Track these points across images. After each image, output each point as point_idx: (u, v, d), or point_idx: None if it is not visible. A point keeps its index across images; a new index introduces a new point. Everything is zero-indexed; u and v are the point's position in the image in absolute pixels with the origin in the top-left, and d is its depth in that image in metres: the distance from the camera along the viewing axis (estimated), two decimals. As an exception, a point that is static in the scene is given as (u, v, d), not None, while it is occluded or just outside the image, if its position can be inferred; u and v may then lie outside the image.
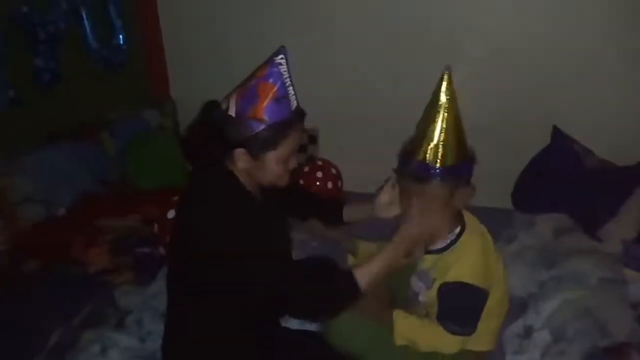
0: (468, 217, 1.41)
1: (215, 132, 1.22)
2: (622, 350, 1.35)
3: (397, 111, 2.42)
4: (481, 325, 1.35)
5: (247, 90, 1.19)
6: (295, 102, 1.22)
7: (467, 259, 1.33)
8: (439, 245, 1.38)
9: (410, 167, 1.32)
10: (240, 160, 1.23)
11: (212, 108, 1.24)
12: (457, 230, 1.38)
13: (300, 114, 1.24)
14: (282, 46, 1.22)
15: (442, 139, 1.28)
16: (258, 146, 1.20)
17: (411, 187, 1.33)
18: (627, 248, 1.59)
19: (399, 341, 1.35)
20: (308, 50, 2.46)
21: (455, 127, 1.29)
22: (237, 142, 1.20)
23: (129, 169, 2.33)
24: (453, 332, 1.31)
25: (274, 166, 1.24)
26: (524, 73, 2.21)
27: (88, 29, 2.29)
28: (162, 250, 1.92)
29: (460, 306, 1.32)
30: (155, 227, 1.94)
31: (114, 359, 1.53)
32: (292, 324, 1.56)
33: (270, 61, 1.20)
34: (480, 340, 1.39)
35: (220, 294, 1.28)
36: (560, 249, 1.78)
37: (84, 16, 2.24)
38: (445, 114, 1.28)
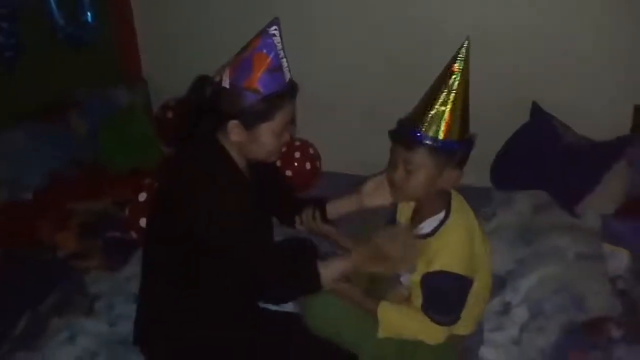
0: (456, 200, 1.37)
1: (208, 105, 1.21)
2: (600, 325, 1.35)
3: (375, 91, 2.40)
4: (465, 311, 1.33)
5: (241, 62, 1.19)
6: (288, 74, 1.22)
7: (452, 247, 1.30)
8: (424, 230, 1.35)
9: (402, 130, 1.29)
10: (234, 132, 1.22)
11: (204, 81, 1.22)
12: (442, 214, 1.34)
13: (294, 86, 1.24)
14: (275, 17, 1.22)
15: (441, 110, 1.24)
16: (252, 118, 1.19)
17: (400, 153, 1.29)
18: (606, 223, 1.59)
19: (383, 334, 1.33)
20: (285, 30, 2.40)
21: (458, 103, 1.25)
22: (230, 113, 1.19)
23: (100, 149, 2.26)
24: (439, 323, 1.29)
25: (268, 139, 1.23)
26: (505, 52, 2.19)
27: (54, 5, 2.19)
28: (133, 235, 1.86)
29: (444, 296, 1.30)
30: (127, 211, 1.88)
31: (83, 346, 1.47)
32: (270, 305, 1.53)
33: (263, 32, 1.20)
34: (463, 324, 1.37)
35: (200, 274, 1.26)
36: (538, 225, 1.77)
37: (49, -9, 2.14)
38: (453, 87, 1.24)
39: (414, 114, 1.29)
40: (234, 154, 1.27)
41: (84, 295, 1.65)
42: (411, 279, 1.36)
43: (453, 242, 1.31)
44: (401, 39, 2.29)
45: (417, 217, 1.40)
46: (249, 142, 1.23)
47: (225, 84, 1.19)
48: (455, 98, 1.24)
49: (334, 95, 2.46)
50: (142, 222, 1.80)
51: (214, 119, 1.23)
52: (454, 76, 1.24)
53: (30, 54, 2.09)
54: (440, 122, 1.24)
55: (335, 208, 1.51)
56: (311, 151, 2.38)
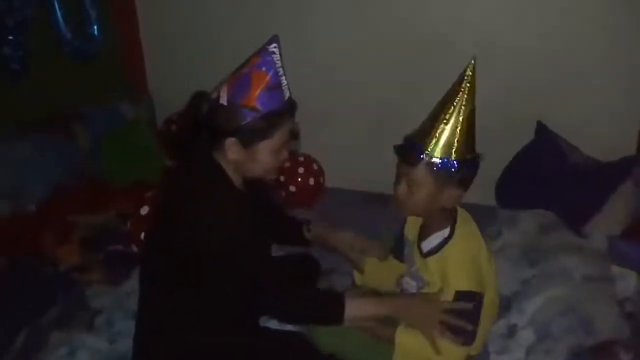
0: (462, 217, 1.37)
1: (204, 122, 1.19)
2: (608, 348, 1.33)
3: (380, 107, 2.41)
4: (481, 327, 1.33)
5: (239, 79, 1.18)
6: (288, 92, 1.21)
7: (457, 266, 1.30)
8: (429, 246, 1.36)
9: (405, 146, 1.30)
10: (231, 150, 1.20)
11: (201, 98, 1.21)
12: (447, 231, 1.34)
13: (293, 104, 1.23)
14: (275, 35, 1.21)
15: (443, 129, 1.25)
16: (250, 136, 1.18)
17: (403, 168, 1.30)
18: (613, 244, 1.57)
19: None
20: (290, 45, 2.41)
21: (462, 123, 1.25)
22: (228, 131, 1.18)
23: (103, 163, 2.25)
24: (454, 343, 1.27)
25: (266, 157, 1.22)
26: (510, 69, 2.19)
27: (60, 18, 2.20)
28: (134, 248, 1.85)
29: (460, 316, 1.28)
30: (129, 224, 1.87)
31: (84, 361, 1.46)
32: (271, 324, 1.50)
33: (263, 49, 1.19)
34: (477, 343, 1.36)
35: (201, 287, 1.24)
36: (544, 245, 1.75)
37: (56, 4, 2.15)
38: (457, 106, 1.25)
39: (418, 131, 1.30)
40: (230, 172, 1.25)
41: (85, 309, 1.64)
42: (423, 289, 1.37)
43: (457, 261, 1.31)
44: (408, 54, 2.29)
45: (424, 232, 1.41)
46: (247, 161, 1.22)
47: (223, 100, 1.17)
48: (458, 117, 1.25)
49: (338, 110, 2.47)
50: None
51: (211, 136, 1.21)
52: (458, 96, 1.25)
53: (37, 66, 2.10)
54: (440, 141, 1.25)
55: (316, 232, 1.54)
56: (315, 167, 2.37)
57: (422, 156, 1.25)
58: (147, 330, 1.33)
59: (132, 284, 1.69)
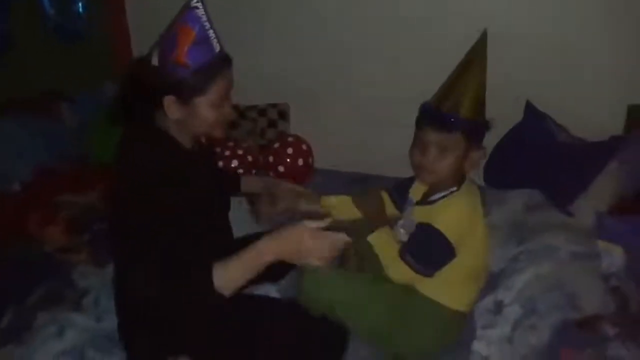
0: (468, 183, 1.45)
1: (142, 86, 1.20)
2: (593, 323, 1.35)
3: (369, 87, 2.39)
4: (461, 285, 1.43)
5: (167, 38, 1.18)
6: (218, 45, 1.22)
7: (450, 214, 1.38)
8: (435, 197, 1.44)
9: (436, 114, 1.36)
10: (171, 109, 1.21)
11: (136, 63, 1.23)
12: (453, 189, 1.42)
13: (224, 57, 1.23)
14: None
15: (468, 91, 1.33)
16: (185, 92, 1.19)
17: (431, 137, 1.36)
18: (600, 220, 1.58)
19: (371, 240, 1.43)
20: (279, 26, 2.40)
21: (481, 84, 1.36)
22: (163, 89, 1.18)
23: (89, 143, 2.23)
24: (407, 263, 1.37)
25: (207, 112, 1.23)
26: (499, 51, 2.17)
27: (43, -7, 2.16)
28: None
29: (421, 244, 1.38)
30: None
31: (71, 340, 1.45)
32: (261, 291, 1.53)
33: (186, 6, 1.18)
34: (458, 299, 1.44)
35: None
36: (531, 224, 1.76)
37: (39, -19, 2.11)
38: (476, 70, 1.35)
39: (441, 97, 1.37)
40: (175, 133, 1.26)
41: (73, 289, 1.63)
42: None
43: (452, 211, 1.38)
44: (397, 36, 2.27)
45: (429, 193, 1.48)
46: (189, 117, 1.23)
47: (155, 61, 1.18)
48: (476, 80, 1.35)
49: (328, 91, 2.44)
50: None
51: (149, 99, 1.21)
52: (476, 61, 1.36)
53: (22, 46, 2.06)
54: (469, 104, 1.33)
55: (249, 182, 1.61)
56: (304, 147, 2.36)
57: (458, 122, 1.32)
58: (124, 307, 1.33)
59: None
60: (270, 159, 2.33)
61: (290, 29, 2.39)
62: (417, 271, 1.37)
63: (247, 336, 1.30)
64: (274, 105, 2.51)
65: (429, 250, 1.38)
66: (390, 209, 1.65)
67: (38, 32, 2.18)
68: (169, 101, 1.20)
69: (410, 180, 1.60)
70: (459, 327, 1.48)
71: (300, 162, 2.32)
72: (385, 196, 1.65)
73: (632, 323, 1.34)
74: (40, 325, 1.49)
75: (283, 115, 2.51)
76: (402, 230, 1.51)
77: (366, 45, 2.33)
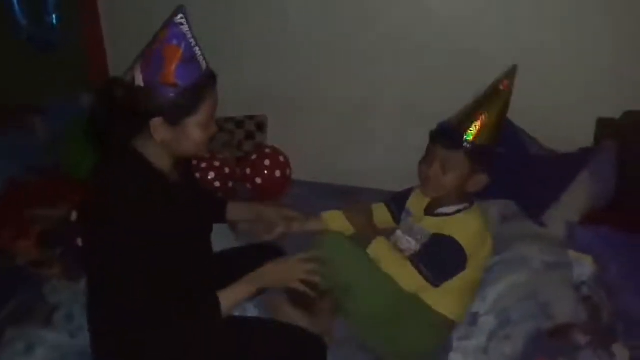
0: (479, 207, 1.53)
1: (123, 109, 1.14)
2: (565, 331, 1.37)
3: (347, 99, 2.40)
4: (459, 296, 1.49)
5: (152, 57, 1.12)
6: (204, 63, 1.17)
7: (468, 226, 1.45)
8: (444, 211, 1.50)
9: (446, 131, 1.44)
10: (158, 132, 1.15)
11: (115, 84, 1.15)
12: (466, 205, 1.49)
13: (212, 75, 1.19)
14: (181, 5, 1.16)
15: (486, 119, 1.41)
16: (175, 112, 1.14)
17: (438, 152, 1.44)
18: (570, 230, 1.61)
19: (370, 251, 1.47)
20: (259, 38, 2.40)
21: (500, 116, 1.44)
22: (152, 111, 1.13)
23: (62, 155, 2.19)
24: (419, 272, 1.41)
25: (196, 133, 1.18)
26: (472, 64, 2.22)
27: (16, 5, 2.13)
28: (79, 242, 1.79)
29: (440, 255, 1.43)
30: (74, 215, 1.82)
31: (41, 357, 1.42)
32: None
33: (170, 23, 1.14)
34: (455, 309, 1.50)
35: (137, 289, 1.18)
36: (506, 234, 1.77)
37: (12, -9, 2.09)
38: (499, 102, 1.43)
39: (458, 119, 1.45)
40: (156, 158, 1.20)
41: (43, 304, 1.59)
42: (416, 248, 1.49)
43: (470, 224, 1.46)
44: (377, 48, 2.30)
45: (433, 206, 1.53)
46: (177, 139, 1.18)
47: (139, 82, 1.12)
48: (497, 110, 1.43)
49: (306, 102, 2.45)
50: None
51: (131, 122, 1.16)
52: (501, 92, 1.44)
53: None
54: (482, 129, 1.41)
55: (235, 211, 1.58)
56: (281, 159, 2.36)
57: (463, 142, 1.40)
58: (97, 324, 1.29)
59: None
60: (248, 170, 2.32)
61: (268, 40, 2.40)
62: (427, 279, 1.41)
63: (228, 355, 1.29)
64: (251, 117, 2.51)
65: (444, 260, 1.43)
66: (387, 220, 1.69)
67: (10, 43, 2.14)
68: (156, 123, 1.14)
69: (407, 193, 1.67)
70: (447, 335, 1.51)
71: (278, 173, 2.32)
72: (383, 208, 1.70)
73: (603, 332, 1.36)
74: (8, 342, 1.45)
75: (260, 126, 2.51)
76: (408, 239, 1.53)
77: (344, 56, 2.35)
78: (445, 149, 1.42)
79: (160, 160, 1.22)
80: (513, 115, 2.15)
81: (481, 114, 1.41)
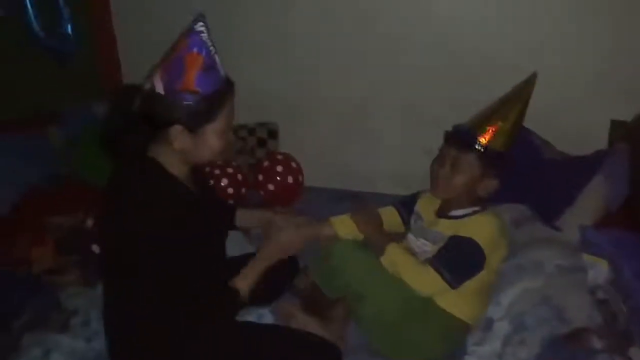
0: (493, 209, 1.54)
1: (142, 116, 1.15)
2: (581, 336, 1.35)
3: (358, 106, 2.41)
4: (474, 299, 1.49)
5: (172, 64, 1.13)
6: (223, 70, 1.18)
7: (485, 227, 1.45)
8: (455, 214, 1.50)
9: (459, 133, 1.45)
10: (178, 139, 1.16)
11: (133, 92, 1.17)
12: (477, 208, 1.50)
13: (230, 83, 1.20)
14: (201, 14, 1.17)
15: (501, 125, 1.42)
16: (195, 120, 1.15)
17: (450, 153, 1.45)
18: (584, 233, 1.60)
19: (385, 261, 1.46)
20: (268, 44, 2.42)
21: (516, 122, 1.45)
22: (172, 119, 1.14)
23: (78, 163, 2.22)
24: (440, 274, 1.40)
25: (214, 140, 1.19)
26: (481, 65, 2.21)
27: (32, 17, 2.18)
28: (95, 249, 1.82)
29: (459, 256, 1.43)
30: (89, 222, 1.84)
31: (57, 362, 1.44)
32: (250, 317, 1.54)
33: (190, 30, 1.15)
34: (470, 312, 1.49)
35: (157, 295, 1.21)
36: (519, 239, 1.77)
37: (28, 2, 2.12)
38: (518, 108, 1.45)
39: (474, 122, 1.46)
40: (172, 166, 1.21)
41: (59, 311, 1.61)
42: (431, 249, 1.49)
43: (487, 225, 1.46)
44: (386, 54, 2.30)
45: (444, 209, 1.54)
46: (195, 147, 1.18)
47: (159, 89, 1.13)
48: (513, 117, 1.44)
49: (318, 109, 2.46)
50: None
51: (149, 129, 1.16)
52: (519, 99, 1.45)
53: (9, 66, 2.07)
54: (497, 134, 1.42)
55: (244, 218, 1.60)
56: (294, 165, 2.37)
57: (474, 144, 1.41)
58: (116, 328, 1.31)
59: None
60: (260, 177, 2.33)
61: (279, 47, 2.42)
62: (447, 281, 1.41)
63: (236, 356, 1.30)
64: (263, 124, 2.52)
65: (464, 261, 1.44)
66: (397, 223, 1.69)
67: (27, 54, 2.18)
68: (176, 131, 1.15)
69: (414, 196, 1.67)
70: (462, 339, 1.51)
71: (290, 179, 2.33)
72: (393, 211, 1.70)
73: (619, 336, 1.35)
74: (26, 347, 1.47)
75: (272, 134, 2.53)
76: (423, 241, 1.53)
77: (355, 64, 2.36)
78: (457, 150, 1.44)
79: (177, 167, 1.23)
80: (526, 118, 2.16)
81: (498, 120, 1.43)
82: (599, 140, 2.10)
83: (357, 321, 1.54)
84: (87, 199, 2.05)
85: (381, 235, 1.56)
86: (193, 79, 1.12)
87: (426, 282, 1.42)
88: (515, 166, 1.99)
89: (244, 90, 2.30)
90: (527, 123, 2.11)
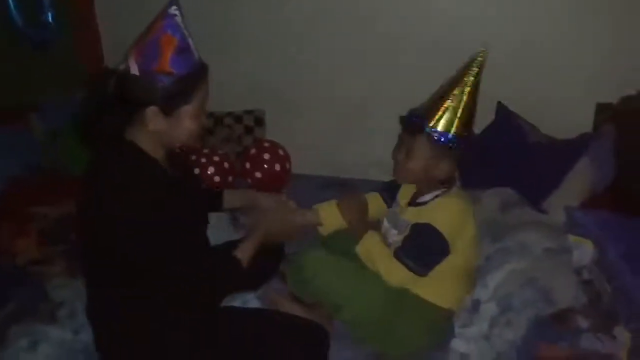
0: (457, 189, 1.52)
1: (117, 98, 1.15)
2: (566, 316, 1.37)
3: (344, 92, 2.40)
4: (450, 285, 1.49)
5: (147, 46, 1.14)
6: (196, 53, 1.19)
7: (444, 210, 1.44)
8: (424, 199, 1.50)
9: (409, 117, 1.44)
10: (153, 121, 1.16)
11: (107, 75, 1.17)
12: (441, 191, 1.48)
13: (205, 67, 1.21)
14: None
15: (448, 106, 1.38)
16: (170, 101, 1.15)
17: (404, 138, 1.45)
18: (570, 214, 1.61)
19: (360, 251, 1.49)
20: (254, 32, 2.40)
21: (465, 102, 1.39)
22: (147, 100, 1.14)
23: (61, 153, 2.19)
24: (405, 265, 1.41)
25: (188, 122, 1.20)
26: (470, 52, 2.21)
27: (12, 5, 2.13)
28: None
29: (420, 244, 1.43)
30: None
31: (45, 354, 1.42)
32: (236, 302, 1.54)
33: (165, 14, 1.15)
34: (447, 298, 1.50)
35: (139, 285, 1.21)
36: (506, 222, 1.77)
37: (7, -10, 2.08)
38: (464, 85, 1.39)
39: (424, 105, 1.44)
40: (149, 147, 1.21)
41: (46, 302, 1.59)
42: (397, 238, 1.49)
43: (447, 207, 1.45)
44: (374, 41, 2.29)
45: (415, 196, 1.54)
46: (170, 129, 1.19)
47: (134, 70, 1.13)
48: (462, 97, 1.38)
49: (305, 96, 2.45)
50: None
51: (124, 111, 1.17)
52: (466, 77, 1.39)
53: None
54: (443, 116, 1.38)
55: (230, 199, 1.62)
56: (281, 152, 2.36)
57: (423, 127, 1.39)
58: (102, 328, 1.30)
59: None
60: (247, 165, 2.32)
61: (264, 34, 2.40)
62: (413, 270, 1.41)
63: (231, 346, 1.29)
64: (249, 112, 2.50)
65: (425, 248, 1.43)
66: (382, 209, 1.69)
67: (5, 42, 2.14)
68: (151, 112, 1.15)
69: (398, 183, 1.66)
70: (447, 325, 1.51)
71: (277, 167, 2.32)
72: (378, 197, 1.70)
73: (604, 315, 1.36)
74: (12, 338, 1.46)
75: (259, 121, 2.51)
76: (393, 231, 1.53)
77: (341, 49, 2.35)
78: (408, 134, 1.44)
79: (154, 150, 1.23)
80: (511, 102, 2.17)
81: (445, 101, 1.39)
82: (585, 123, 2.11)
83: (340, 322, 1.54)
84: (69, 188, 2.02)
85: (364, 224, 1.56)
86: (168, 60, 1.13)
87: (394, 273, 1.43)
88: (501, 147, 2.02)
89: (231, 77, 2.30)
90: (513, 108, 2.14)
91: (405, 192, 1.61)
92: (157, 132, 1.18)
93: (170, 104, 1.16)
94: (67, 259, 1.76)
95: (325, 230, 1.65)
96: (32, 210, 1.92)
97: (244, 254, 1.35)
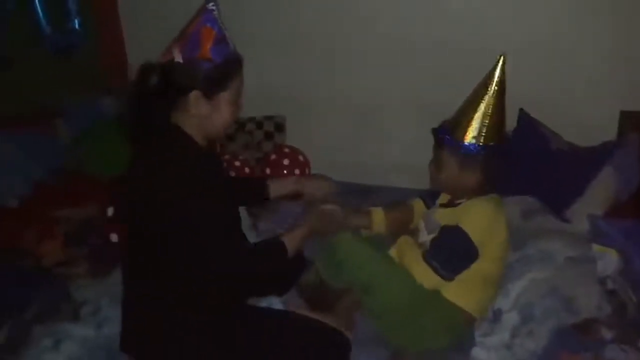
0: (493, 196, 1.50)
1: (163, 84, 1.23)
2: (590, 326, 1.35)
3: (364, 98, 2.41)
4: (478, 291, 1.47)
5: (189, 37, 1.24)
6: (232, 44, 1.28)
7: (474, 214, 1.44)
8: (458, 202, 1.51)
9: (437, 130, 1.48)
10: (195, 105, 1.24)
11: (149, 68, 1.24)
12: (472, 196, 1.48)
13: (239, 57, 1.30)
14: None
15: (472, 116, 1.40)
16: (210, 86, 1.24)
17: (435, 150, 1.50)
18: (594, 223, 1.59)
19: (394, 253, 1.53)
20: (275, 38, 2.42)
21: (491, 113, 1.39)
22: (190, 84, 1.22)
23: (85, 157, 2.23)
24: (432, 267, 1.41)
25: (226, 108, 1.28)
26: (493, 60, 2.20)
27: (40, 12, 2.18)
28: (113, 238, 1.84)
29: (447, 247, 1.43)
30: (110, 211, 1.86)
31: (68, 352, 1.45)
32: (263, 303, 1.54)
33: (203, 9, 1.26)
34: (475, 304, 1.48)
35: (184, 277, 1.27)
36: (528, 230, 1.76)
37: (36, -2, 2.14)
38: (488, 96, 1.40)
39: (452, 116, 1.46)
40: (194, 133, 1.28)
41: (70, 302, 1.62)
42: (428, 238, 1.50)
43: (477, 210, 1.44)
44: (394, 47, 2.30)
45: (453, 199, 1.55)
46: (210, 113, 1.26)
47: (179, 58, 1.22)
48: (488, 107, 1.39)
49: (325, 102, 2.46)
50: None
51: (170, 97, 1.24)
52: (489, 87, 1.40)
53: (16, 61, 2.08)
54: (469, 127, 1.40)
55: (276, 189, 1.67)
56: (300, 158, 2.37)
57: (447, 139, 1.42)
58: (135, 325, 1.34)
59: (118, 275, 1.68)
60: (268, 170, 2.33)
61: (286, 41, 2.42)
62: (439, 274, 1.41)
63: (254, 347, 1.32)
64: (270, 118, 2.52)
65: (453, 252, 1.43)
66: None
67: (33, 49, 2.19)
68: (195, 96, 1.23)
69: None
70: (467, 331, 1.50)
71: (297, 172, 2.33)
72: (420, 204, 1.72)
73: (628, 326, 1.34)
74: (37, 339, 1.48)
75: (279, 127, 2.52)
76: (424, 232, 1.54)
77: (362, 56, 2.35)
78: (437, 147, 1.48)
79: (197, 136, 1.30)
80: (534, 109, 2.15)
81: (470, 113, 1.41)
82: (609, 131, 2.08)
83: (365, 311, 1.54)
84: (94, 191, 2.07)
85: (402, 231, 1.60)
86: (208, 49, 1.22)
87: (424, 276, 1.43)
88: (524, 155, 2.00)
89: (252, 83, 2.30)
90: (536, 115, 2.12)
91: (444, 197, 1.63)
92: (199, 116, 1.25)
93: (211, 89, 1.24)
94: (90, 260, 1.80)
95: (368, 233, 1.67)
96: (58, 213, 1.95)
97: (290, 242, 1.39)
